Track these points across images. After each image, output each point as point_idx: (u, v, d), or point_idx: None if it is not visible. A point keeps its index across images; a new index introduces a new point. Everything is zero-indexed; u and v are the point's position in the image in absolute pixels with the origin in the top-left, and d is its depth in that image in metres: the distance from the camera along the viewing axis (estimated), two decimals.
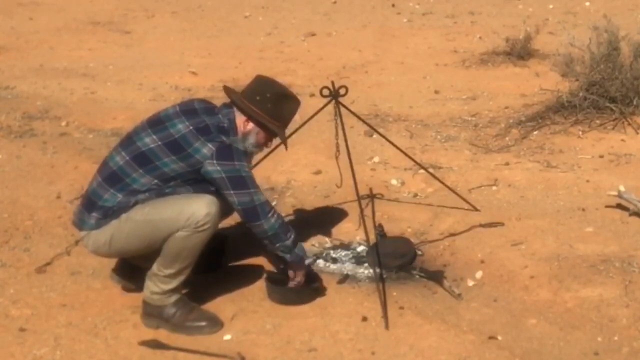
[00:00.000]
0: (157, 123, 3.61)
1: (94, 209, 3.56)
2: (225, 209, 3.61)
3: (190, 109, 3.63)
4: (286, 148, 3.80)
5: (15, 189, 5.24)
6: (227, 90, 3.73)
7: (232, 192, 3.53)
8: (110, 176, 3.56)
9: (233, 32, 10.55)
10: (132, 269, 3.82)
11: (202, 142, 3.49)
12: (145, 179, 3.51)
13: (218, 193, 3.53)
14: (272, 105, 3.60)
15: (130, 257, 3.77)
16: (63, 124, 6.66)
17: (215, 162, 3.48)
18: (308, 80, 7.90)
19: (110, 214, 3.53)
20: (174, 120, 3.57)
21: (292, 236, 3.65)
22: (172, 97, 7.37)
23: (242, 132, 3.61)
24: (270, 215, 3.57)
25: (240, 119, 3.61)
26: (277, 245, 3.64)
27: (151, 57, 9.20)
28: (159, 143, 3.52)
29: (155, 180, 3.52)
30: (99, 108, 7.12)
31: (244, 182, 3.53)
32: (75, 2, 12.53)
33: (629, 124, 6.11)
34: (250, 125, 3.61)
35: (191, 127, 3.52)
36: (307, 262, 3.80)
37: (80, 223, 3.64)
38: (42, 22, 11.26)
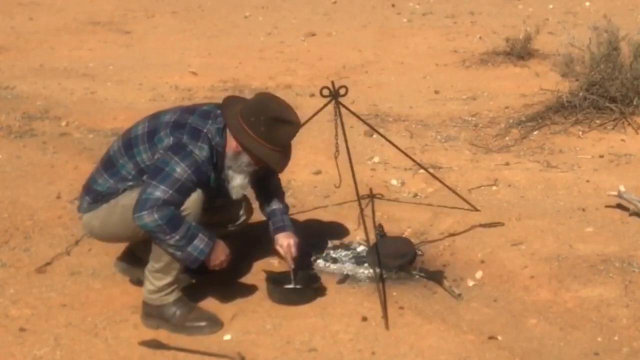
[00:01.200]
0: (155, 115, 3.65)
1: (88, 192, 3.66)
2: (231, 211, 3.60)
3: (191, 108, 3.64)
4: (279, 172, 3.64)
5: (15, 189, 5.24)
6: (225, 104, 3.56)
7: (146, 179, 3.41)
8: (107, 161, 3.64)
9: (233, 32, 10.55)
10: (135, 258, 3.85)
11: (167, 133, 3.46)
12: (129, 165, 3.54)
13: (200, 186, 3.46)
14: (265, 128, 3.41)
15: (134, 245, 3.81)
16: (63, 124, 6.66)
17: (161, 151, 3.43)
18: (308, 80, 7.89)
19: (100, 198, 3.60)
20: (168, 112, 3.60)
21: (177, 237, 3.34)
22: (172, 97, 7.37)
23: (234, 150, 3.50)
24: (146, 213, 3.31)
25: (231, 137, 3.51)
26: (158, 242, 3.42)
27: (151, 57, 9.19)
28: (145, 130, 3.55)
29: (135, 170, 3.53)
30: (99, 108, 7.12)
31: (159, 174, 3.36)
32: (75, 2, 12.52)
33: (629, 124, 6.11)
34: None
35: (173, 120, 3.51)
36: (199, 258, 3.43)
37: (79, 205, 3.75)
38: (42, 22, 11.26)
